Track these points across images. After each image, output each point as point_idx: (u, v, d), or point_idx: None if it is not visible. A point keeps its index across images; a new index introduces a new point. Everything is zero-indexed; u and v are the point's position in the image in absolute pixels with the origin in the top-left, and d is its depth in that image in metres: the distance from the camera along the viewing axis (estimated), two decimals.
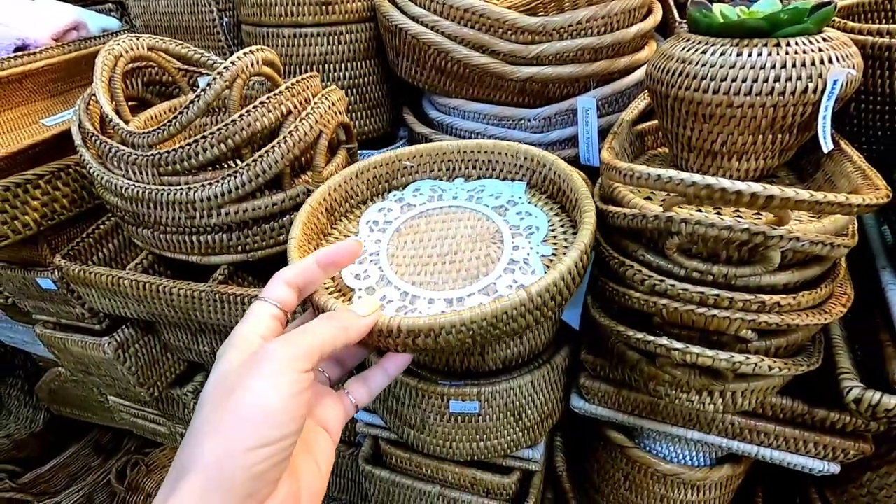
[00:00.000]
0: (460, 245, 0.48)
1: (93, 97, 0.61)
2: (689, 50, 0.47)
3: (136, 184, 0.55)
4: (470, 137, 0.73)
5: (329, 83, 0.78)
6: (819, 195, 0.33)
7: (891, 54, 0.50)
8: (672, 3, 0.76)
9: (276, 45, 0.75)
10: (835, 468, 0.50)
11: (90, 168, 0.59)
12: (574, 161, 0.68)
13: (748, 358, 0.38)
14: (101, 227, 0.74)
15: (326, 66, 0.76)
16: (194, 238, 0.56)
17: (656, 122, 0.61)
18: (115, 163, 0.57)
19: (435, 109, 0.77)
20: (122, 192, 0.56)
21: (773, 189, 0.32)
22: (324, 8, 0.72)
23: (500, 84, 0.67)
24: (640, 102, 0.62)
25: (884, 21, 0.62)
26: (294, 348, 0.29)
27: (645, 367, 0.45)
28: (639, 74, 0.69)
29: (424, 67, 0.69)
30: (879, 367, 0.44)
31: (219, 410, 0.27)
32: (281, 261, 0.63)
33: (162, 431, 0.96)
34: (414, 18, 0.66)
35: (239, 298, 0.58)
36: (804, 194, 0.32)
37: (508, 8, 0.62)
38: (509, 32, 0.62)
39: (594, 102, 0.66)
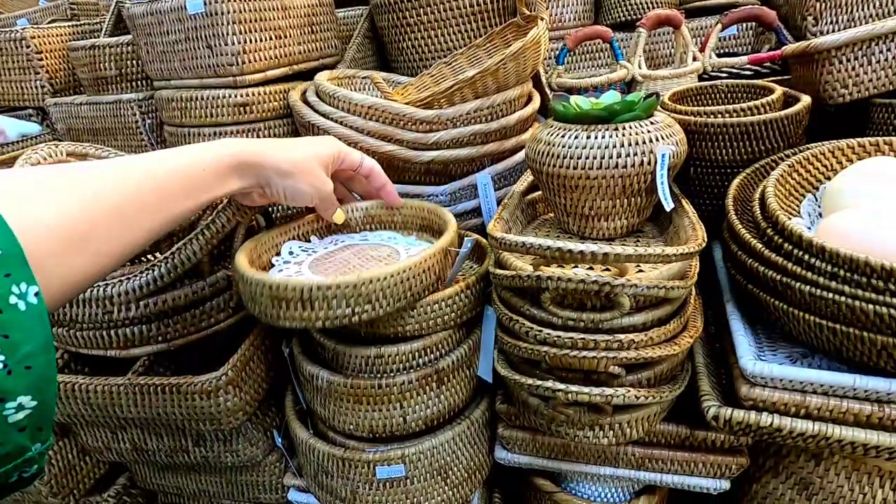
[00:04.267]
0: (366, 259, 0.60)
1: None
2: (552, 134, 0.57)
3: None
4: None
5: None
6: (641, 250, 0.41)
7: (708, 129, 0.63)
8: (549, 92, 0.89)
9: (197, 142, 0.81)
10: (725, 485, 0.56)
11: None
12: (480, 229, 0.76)
13: (617, 391, 0.44)
14: None
15: None
16: (112, 332, 0.57)
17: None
18: None
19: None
20: None
21: (605, 248, 0.40)
22: (242, 109, 0.79)
23: (407, 167, 0.75)
24: (529, 176, 0.72)
25: (708, 102, 0.76)
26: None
27: (544, 410, 0.50)
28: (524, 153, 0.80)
29: None
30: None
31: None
32: (205, 346, 0.64)
33: None
34: (325, 115, 0.74)
35: (160, 389, 0.58)
36: (628, 250, 0.40)
37: (406, 104, 0.71)
38: (409, 124, 0.71)
39: (489, 178, 0.75)
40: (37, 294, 0.25)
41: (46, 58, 1.05)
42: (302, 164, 0.50)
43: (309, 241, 0.65)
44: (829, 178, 0.57)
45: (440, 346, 0.57)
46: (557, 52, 0.95)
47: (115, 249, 0.35)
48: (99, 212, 0.34)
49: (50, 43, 1.06)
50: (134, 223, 0.37)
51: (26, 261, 0.25)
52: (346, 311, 0.48)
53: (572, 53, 1.06)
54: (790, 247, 0.46)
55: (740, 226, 0.53)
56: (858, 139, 0.58)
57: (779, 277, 0.46)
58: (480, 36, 0.88)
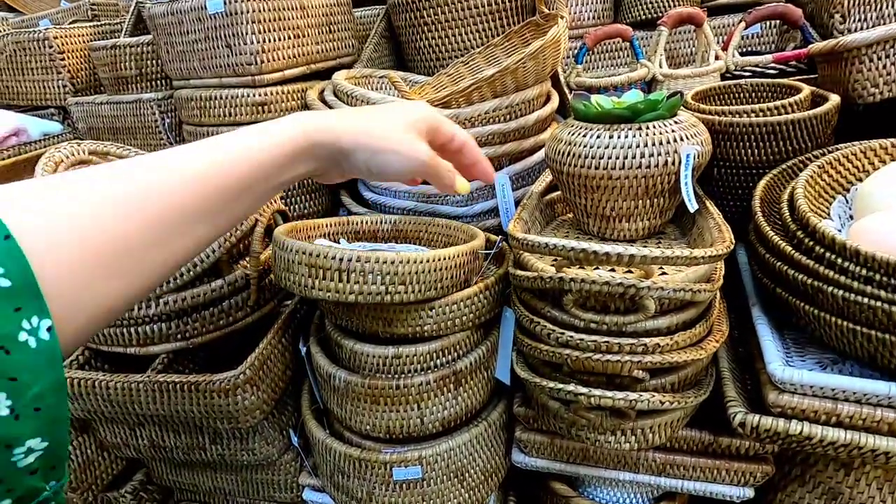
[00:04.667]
0: None
1: None
2: (573, 134, 0.56)
3: None
4: (401, 214, 0.79)
5: None
6: (668, 252, 0.40)
7: (733, 129, 0.61)
8: (567, 91, 0.88)
9: None
10: (749, 493, 0.55)
11: None
12: (498, 229, 0.75)
13: (641, 395, 0.43)
14: None
15: None
16: (132, 330, 0.58)
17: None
18: None
19: (369, 191, 0.84)
20: None
21: (632, 249, 0.39)
22: (260, 108, 0.79)
23: None
24: (547, 176, 0.71)
25: (732, 102, 0.75)
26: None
27: (564, 414, 0.49)
28: (543, 152, 0.79)
29: None
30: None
31: None
32: (224, 345, 0.64)
33: None
34: None
35: (179, 387, 0.59)
36: (654, 252, 0.39)
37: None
38: None
39: (508, 178, 0.74)
40: (49, 329, 0.22)
41: (68, 58, 1.06)
42: (386, 133, 0.40)
43: (338, 243, 0.65)
44: (860, 180, 0.55)
45: (458, 347, 0.57)
46: (576, 51, 0.94)
47: (159, 265, 0.30)
48: (135, 222, 0.28)
49: (71, 43, 1.07)
50: (180, 231, 0.30)
51: (40, 291, 0.22)
52: (379, 287, 0.48)
53: (591, 52, 1.05)
54: (822, 250, 0.44)
55: (768, 228, 0.51)
56: (892, 139, 0.56)
57: (810, 281, 0.45)
58: (498, 35, 0.87)
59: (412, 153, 0.41)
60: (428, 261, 0.50)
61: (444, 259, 0.51)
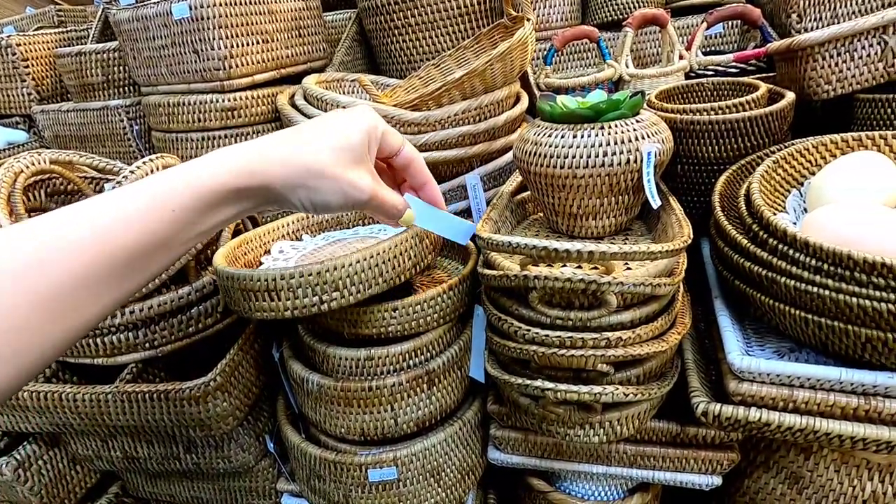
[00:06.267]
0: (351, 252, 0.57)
1: None
2: (539, 134, 0.57)
3: None
4: None
5: None
6: (626, 247, 0.41)
7: (693, 127, 0.63)
8: (537, 91, 0.90)
9: (185, 148, 0.80)
10: (717, 480, 0.56)
11: None
12: None
13: (605, 389, 0.44)
14: None
15: None
16: (98, 340, 0.57)
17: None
18: None
19: None
20: None
21: (590, 246, 0.40)
22: (230, 114, 0.78)
23: None
24: (518, 176, 0.72)
25: (694, 100, 0.77)
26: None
27: (534, 410, 0.50)
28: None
29: None
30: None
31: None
32: (195, 353, 0.64)
33: None
34: (312, 118, 0.74)
35: (149, 396, 0.58)
36: (613, 248, 0.40)
37: (395, 106, 0.71)
38: (398, 126, 0.71)
39: (479, 178, 0.75)
40: None
41: (33, 65, 1.04)
42: (322, 168, 0.34)
43: (300, 240, 0.65)
44: (813, 174, 0.58)
45: (431, 346, 0.57)
46: (545, 53, 0.95)
47: (50, 343, 0.26)
48: (13, 307, 0.24)
49: (36, 50, 1.05)
50: (73, 303, 0.26)
51: None
52: (312, 299, 0.48)
53: (560, 53, 1.07)
54: (775, 242, 0.46)
55: (726, 222, 0.53)
56: (842, 135, 0.58)
57: (764, 272, 0.46)
58: (468, 37, 0.88)
59: (353, 191, 0.36)
60: (359, 261, 0.49)
61: (379, 254, 0.50)
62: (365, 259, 0.49)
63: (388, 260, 0.51)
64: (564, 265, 0.54)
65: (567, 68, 1.09)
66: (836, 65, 0.65)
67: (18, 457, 0.68)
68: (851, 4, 0.81)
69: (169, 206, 0.30)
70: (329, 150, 0.35)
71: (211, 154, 0.33)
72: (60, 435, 0.71)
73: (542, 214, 0.72)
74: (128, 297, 0.30)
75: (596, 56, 1.08)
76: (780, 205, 0.56)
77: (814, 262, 0.42)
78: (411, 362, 0.56)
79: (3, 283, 0.24)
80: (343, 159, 0.35)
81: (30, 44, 1.04)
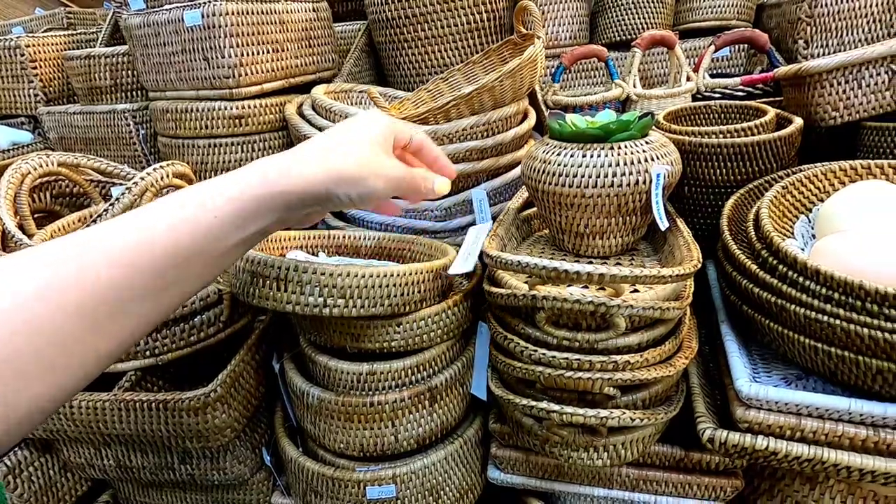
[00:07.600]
0: None
1: None
2: (548, 152, 0.57)
3: None
4: (380, 229, 0.79)
5: None
6: (637, 271, 0.40)
7: (702, 149, 0.63)
8: (545, 109, 0.90)
9: (191, 154, 0.80)
10: None
11: None
12: None
13: (612, 413, 0.43)
14: None
15: None
16: None
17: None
18: None
19: None
20: None
21: (601, 268, 0.40)
22: (237, 121, 0.78)
23: None
24: (524, 192, 0.72)
25: (702, 122, 0.77)
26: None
27: (538, 431, 0.50)
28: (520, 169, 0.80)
29: None
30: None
31: None
32: (195, 362, 0.63)
33: None
34: (320, 129, 0.74)
35: (147, 405, 0.57)
36: (624, 271, 0.40)
37: (403, 119, 0.71)
38: None
39: (485, 194, 0.75)
40: None
41: (41, 66, 1.04)
42: (359, 160, 0.37)
43: (316, 255, 0.64)
44: (822, 200, 0.58)
45: (433, 363, 0.57)
46: (553, 70, 0.96)
47: (99, 355, 0.26)
48: (59, 312, 0.24)
49: (45, 52, 1.05)
50: (112, 315, 0.26)
51: None
52: (317, 300, 0.48)
53: (568, 72, 1.07)
54: (785, 269, 0.46)
55: (735, 246, 0.53)
56: (851, 162, 0.58)
57: (773, 299, 0.46)
58: (477, 53, 0.88)
59: (391, 172, 0.39)
60: (371, 276, 0.49)
61: (391, 276, 0.50)
62: (378, 276, 0.49)
63: (400, 285, 0.51)
64: (570, 285, 0.53)
65: (575, 86, 1.10)
66: (844, 92, 0.66)
67: (9, 462, 0.66)
68: (858, 32, 0.82)
69: (212, 213, 0.31)
70: (360, 145, 0.38)
71: (249, 164, 0.35)
72: (52, 441, 0.69)
73: (547, 231, 0.72)
74: (167, 313, 0.30)
75: (603, 75, 1.09)
76: (788, 230, 0.56)
77: (825, 290, 0.42)
78: (413, 378, 0.56)
79: (48, 295, 0.24)
80: (375, 151, 0.39)
81: (38, 45, 1.04)
